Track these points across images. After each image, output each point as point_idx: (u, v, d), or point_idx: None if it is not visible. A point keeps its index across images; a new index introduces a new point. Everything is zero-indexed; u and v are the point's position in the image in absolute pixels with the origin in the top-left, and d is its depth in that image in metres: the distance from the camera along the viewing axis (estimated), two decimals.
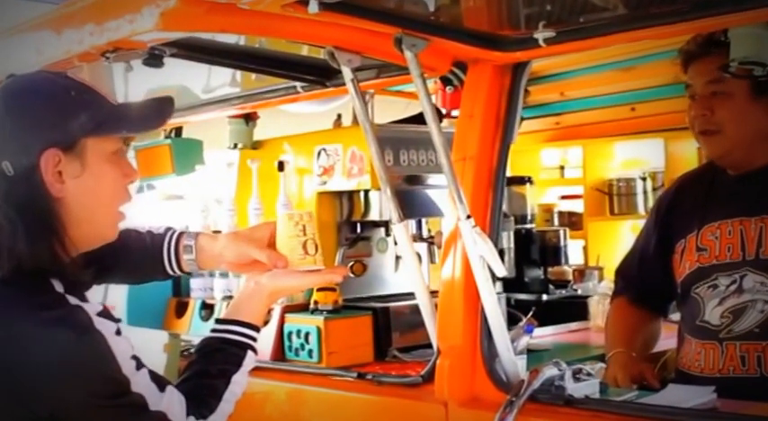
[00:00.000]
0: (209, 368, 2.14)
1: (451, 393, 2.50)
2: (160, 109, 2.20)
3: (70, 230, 2.00)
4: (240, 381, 2.14)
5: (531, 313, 2.68)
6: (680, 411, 2.27)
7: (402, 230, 2.64)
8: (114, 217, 2.13)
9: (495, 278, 2.48)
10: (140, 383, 1.94)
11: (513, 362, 2.49)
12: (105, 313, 1.96)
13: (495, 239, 2.51)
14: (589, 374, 2.36)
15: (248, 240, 2.36)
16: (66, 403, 1.90)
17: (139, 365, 1.96)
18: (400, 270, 3.67)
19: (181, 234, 2.43)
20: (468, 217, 2.42)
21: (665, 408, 2.27)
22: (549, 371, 2.30)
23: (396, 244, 2.96)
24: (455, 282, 2.54)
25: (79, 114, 1.99)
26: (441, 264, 2.63)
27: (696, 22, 2.25)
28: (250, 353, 2.19)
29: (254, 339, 2.20)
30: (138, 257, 2.43)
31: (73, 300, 1.93)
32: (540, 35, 2.40)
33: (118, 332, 1.95)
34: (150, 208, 4.71)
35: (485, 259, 2.42)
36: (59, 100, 2.01)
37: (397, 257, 3.54)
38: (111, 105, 2.08)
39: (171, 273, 2.44)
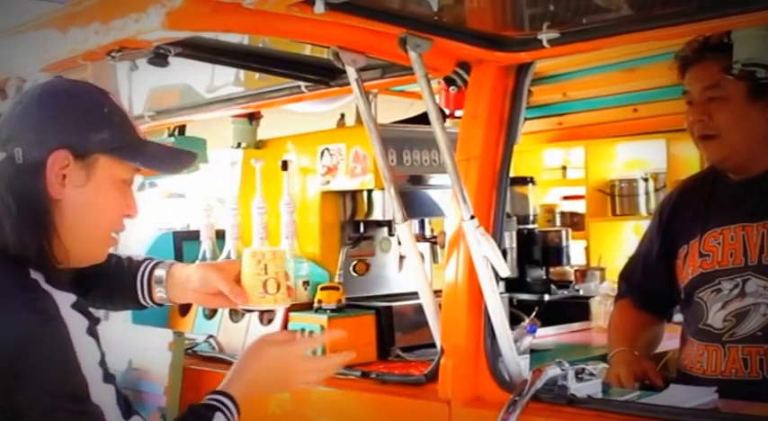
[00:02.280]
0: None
1: (455, 392, 2.49)
2: (181, 159, 2.25)
3: (63, 234, 2.02)
4: None
5: (534, 313, 2.68)
6: (682, 411, 2.27)
7: (406, 230, 2.64)
8: (105, 239, 2.14)
9: (498, 278, 2.48)
10: (103, 398, 1.90)
11: (516, 361, 2.50)
12: (80, 307, 1.94)
13: (499, 239, 2.51)
14: (592, 374, 2.36)
15: (216, 270, 2.39)
16: (18, 394, 1.86)
17: (108, 379, 1.93)
18: (404, 269, 3.68)
19: (156, 264, 2.47)
20: (472, 217, 2.43)
21: (667, 408, 2.27)
22: (552, 371, 2.31)
23: (399, 243, 2.96)
24: (458, 281, 2.54)
25: (103, 130, 2.03)
26: (444, 263, 2.63)
27: (701, 23, 2.25)
28: (218, 414, 2.14)
29: (223, 404, 2.16)
30: (114, 284, 2.46)
31: (46, 287, 1.92)
32: (544, 36, 2.41)
33: (90, 331, 1.92)
34: (151, 205, 4.71)
35: (488, 259, 2.42)
36: (90, 110, 2.05)
37: (401, 257, 3.55)
38: (136, 136, 2.12)
39: (143, 303, 2.47)
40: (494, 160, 2.59)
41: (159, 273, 2.45)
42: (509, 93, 2.62)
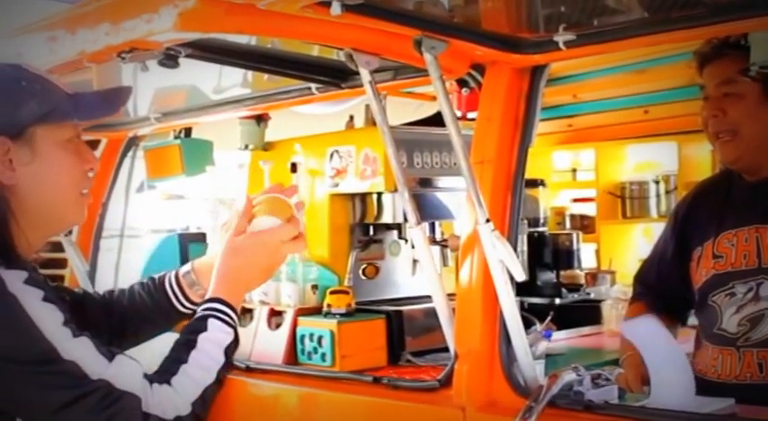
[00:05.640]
0: (174, 345, 2.08)
1: (469, 398, 2.47)
2: (113, 98, 2.22)
3: (25, 217, 2.03)
4: (205, 348, 2.04)
5: (549, 318, 2.66)
6: (700, 417, 2.25)
7: (419, 233, 2.61)
8: (76, 201, 2.14)
9: (513, 282, 2.45)
10: (77, 351, 1.89)
11: (531, 366, 2.47)
12: (34, 281, 1.94)
13: (515, 243, 2.49)
14: (608, 379, 2.33)
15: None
16: None
17: (78, 333, 1.92)
18: (417, 273, 3.65)
19: (177, 271, 2.43)
20: (488, 221, 2.40)
21: (685, 414, 2.25)
22: (568, 377, 2.27)
23: (413, 247, 2.94)
24: (473, 286, 2.52)
25: (28, 102, 2.03)
26: (459, 267, 2.61)
27: (716, 26, 2.23)
28: (212, 321, 2.08)
29: (213, 309, 2.11)
30: (145, 305, 2.42)
31: None
32: (561, 38, 2.39)
33: (47, 299, 1.92)
34: (151, 207, 4.70)
35: (504, 263, 2.40)
36: (9, 89, 2.05)
37: (414, 261, 3.52)
38: (62, 94, 2.10)
39: (180, 308, 2.41)
40: (508, 163, 2.57)
41: (185, 270, 2.41)
42: (523, 95, 2.60)
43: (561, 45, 2.40)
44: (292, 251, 2.27)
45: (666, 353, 2.44)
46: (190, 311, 2.42)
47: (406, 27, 2.34)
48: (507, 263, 2.39)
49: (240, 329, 3.30)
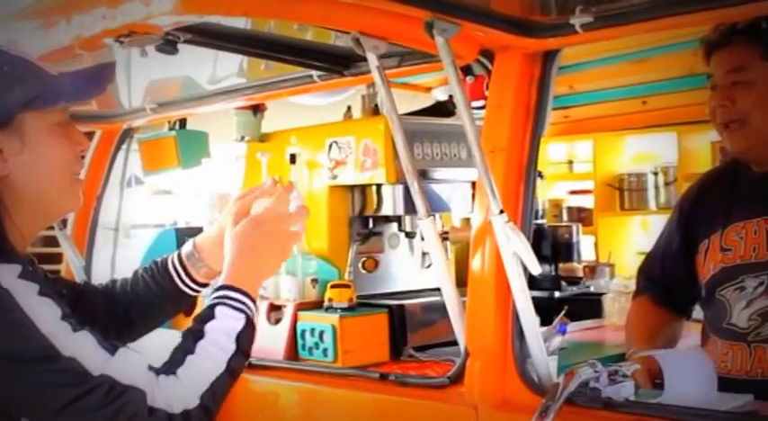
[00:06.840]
0: (182, 335, 1.99)
1: (482, 396, 2.42)
2: (98, 76, 2.13)
3: (20, 208, 1.97)
4: (213, 337, 1.94)
5: (563, 312, 2.61)
6: (720, 414, 2.21)
7: (430, 226, 2.55)
8: (70, 186, 2.07)
9: (527, 275, 2.40)
10: (77, 347, 1.82)
11: (545, 363, 2.41)
12: (27, 274, 1.87)
13: (529, 235, 2.42)
14: (625, 376, 2.27)
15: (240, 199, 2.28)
16: None
17: (77, 327, 1.85)
18: (411, 266, 3.62)
19: (179, 252, 2.35)
20: (501, 211, 2.34)
21: (705, 412, 2.21)
22: (585, 373, 2.21)
23: (422, 239, 2.89)
24: (485, 279, 2.46)
25: (13, 89, 1.95)
26: (470, 260, 2.54)
27: (743, 6, 2.15)
28: (220, 308, 1.98)
29: (222, 297, 2.01)
30: (150, 290, 2.34)
31: None
32: (577, 20, 2.31)
33: (42, 293, 1.85)
34: (139, 202, 4.63)
35: (518, 256, 2.33)
36: None
37: (424, 253, 3.47)
38: (47, 77, 2.01)
39: (186, 290, 2.33)
40: (520, 152, 2.51)
41: (187, 248, 2.33)
42: (535, 81, 2.54)
43: (578, 28, 2.33)
44: (294, 221, 2.18)
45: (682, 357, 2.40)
46: (196, 293, 2.36)
47: (418, 8, 2.27)
48: (522, 255, 2.33)
49: None
